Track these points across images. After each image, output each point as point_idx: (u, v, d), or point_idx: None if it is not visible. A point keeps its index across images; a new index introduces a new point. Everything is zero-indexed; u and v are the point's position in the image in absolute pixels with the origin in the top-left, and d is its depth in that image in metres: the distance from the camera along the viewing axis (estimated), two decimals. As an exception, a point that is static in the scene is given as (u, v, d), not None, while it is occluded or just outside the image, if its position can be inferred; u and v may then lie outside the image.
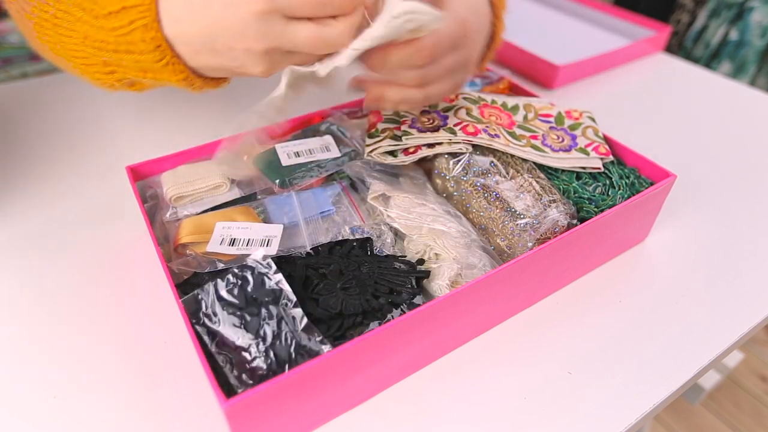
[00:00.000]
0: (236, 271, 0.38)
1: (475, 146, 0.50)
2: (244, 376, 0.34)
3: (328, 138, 0.52)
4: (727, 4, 1.45)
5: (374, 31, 0.37)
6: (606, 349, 0.44)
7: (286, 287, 0.38)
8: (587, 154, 0.51)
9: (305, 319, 0.37)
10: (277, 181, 0.48)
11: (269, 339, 0.36)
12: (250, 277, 0.38)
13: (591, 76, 0.84)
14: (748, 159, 0.67)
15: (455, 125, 0.51)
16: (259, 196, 0.49)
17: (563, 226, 0.46)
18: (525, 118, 0.55)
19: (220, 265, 0.42)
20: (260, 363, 0.35)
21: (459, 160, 0.49)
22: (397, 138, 0.50)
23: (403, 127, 0.51)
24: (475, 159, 0.49)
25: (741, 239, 0.55)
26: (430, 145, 0.50)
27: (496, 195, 0.47)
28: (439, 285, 0.42)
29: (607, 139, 0.54)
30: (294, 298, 0.37)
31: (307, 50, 0.36)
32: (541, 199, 0.46)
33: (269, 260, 0.39)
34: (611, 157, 0.52)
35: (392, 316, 0.40)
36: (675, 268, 0.51)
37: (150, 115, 0.69)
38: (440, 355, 0.43)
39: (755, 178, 0.63)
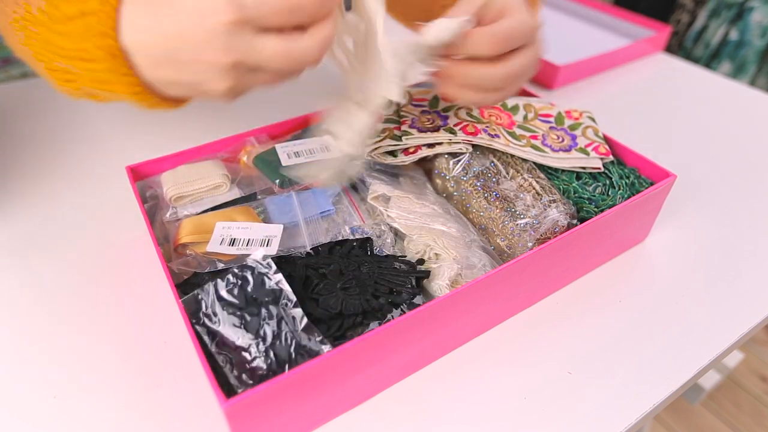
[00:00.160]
0: (236, 271, 0.38)
1: (475, 146, 0.50)
2: (244, 376, 0.34)
3: (328, 138, 0.52)
4: (727, 4, 1.45)
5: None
6: (606, 349, 0.44)
7: (286, 287, 0.38)
8: (587, 154, 0.51)
9: (305, 319, 0.37)
10: (277, 181, 0.48)
11: (269, 339, 0.36)
12: (250, 277, 0.38)
13: (591, 76, 0.84)
14: (748, 159, 0.67)
15: (455, 125, 0.51)
16: (259, 196, 0.49)
17: (563, 226, 0.46)
18: (525, 118, 0.55)
19: (220, 265, 0.42)
20: (260, 363, 0.35)
21: (459, 160, 0.49)
22: (397, 138, 0.50)
23: (403, 127, 0.51)
24: (475, 159, 0.49)
25: (741, 239, 0.55)
26: (430, 145, 0.50)
27: (496, 195, 0.47)
28: (439, 285, 0.42)
29: (607, 139, 0.54)
30: (294, 298, 0.37)
31: (274, 65, 0.33)
32: (541, 199, 0.46)
33: (269, 260, 0.39)
34: (611, 157, 0.52)
35: (392, 316, 0.40)
36: (675, 268, 0.51)
37: (150, 115, 0.69)
38: (440, 355, 0.43)
39: (755, 178, 0.63)
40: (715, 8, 1.48)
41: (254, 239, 0.43)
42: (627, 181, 0.50)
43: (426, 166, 0.53)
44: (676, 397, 0.42)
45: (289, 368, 0.35)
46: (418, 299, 0.41)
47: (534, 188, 0.47)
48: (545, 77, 0.79)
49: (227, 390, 0.34)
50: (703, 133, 0.72)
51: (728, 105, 0.78)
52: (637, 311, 0.47)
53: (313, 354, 0.35)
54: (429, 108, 0.53)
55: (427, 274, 0.42)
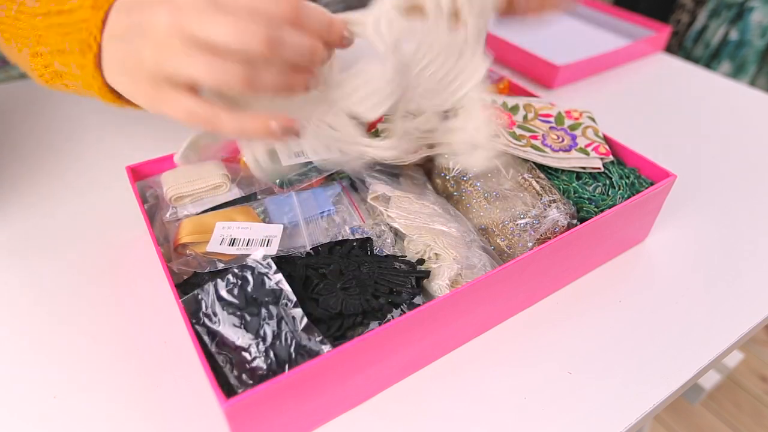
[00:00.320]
0: (236, 271, 0.38)
1: (475, 146, 0.50)
2: (244, 376, 0.34)
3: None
4: (727, 4, 1.44)
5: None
6: (606, 349, 0.44)
7: (286, 287, 0.38)
8: (587, 154, 0.51)
9: (305, 319, 0.37)
10: (277, 181, 0.48)
11: (269, 339, 0.36)
12: (250, 277, 0.38)
13: (591, 76, 0.84)
14: (748, 159, 0.67)
15: (455, 125, 0.50)
16: (259, 196, 0.49)
17: (563, 226, 0.46)
18: (525, 118, 0.55)
19: (220, 265, 0.42)
20: (260, 363, 0.35)
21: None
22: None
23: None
24: (475, 159, 0.49)
25: (741, 239, 0.55)
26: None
27: (496, 195, 0.47)
28: (439, 285, 0.42)
29: (607, 139, 0.54)
30: (294, 298, 0.37)
31: (203, 80, 0.31)
32: (541, 199, 0.46)
33: (269, 260, 0.39)
34: (611, 157, 0.52)
35: (392, 316, 0.40)
36: (675, 268, 0.51)
37: (150, 114, 0.69)
38: (440, 355, 0.43)
39: (755, 178, 0.63)
40: (715, 8, 1.48)
41: (254, 239, 0.43)
42: (627, 181, 0.50)
43: (426, 166, 0.53)
44: (676, 397, 0.42)
45: (289, 368, 0.35)
46: (418, 299, 0.41)
47: (534, 188, 0.47)
48: (545, 77, 0.79)
49: (227, 390, 0.34)
50: (703, 133, 0.72)
51: (728, 105, 0.78)
52: (637, 311, 0.47)
53: (313, 354, 0.35)
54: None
55: (427, 274, 0.42)
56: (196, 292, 0.37)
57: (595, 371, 0.42)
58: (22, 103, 0.70)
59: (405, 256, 0.45)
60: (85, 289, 0.47)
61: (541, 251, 0.41)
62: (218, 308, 0.37)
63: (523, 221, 0.45)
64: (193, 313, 0.37)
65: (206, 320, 0.37)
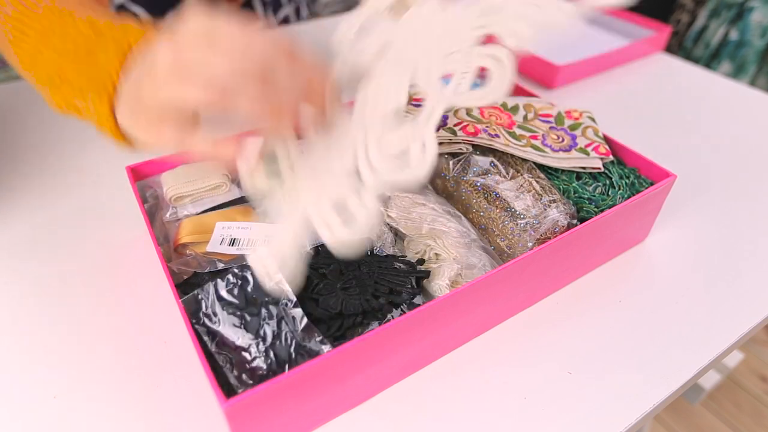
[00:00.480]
0: (236, 271, 0.38)
1: (475, 146, 0.50)
2: (244, 376, 0.34)
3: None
4: (727, 4, 1.44)
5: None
6: (606, 349, 0.44)
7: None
8: (587, 154, 0.51)
9: (305, 319, 0.37)
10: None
11: (269, 339, 0.36)
12: (250, 277, 0.38)
13: (591, 76, 0.84)
14: (748, 159, 0.67)
15: (455, 125, 0.50)
16: (259, 196, 0.49)
17: (563, 226, 0.46)
18: (525, 118, 0.55)
19: (220, 265, 0.42)
20: (260, 363, 0.35)
21: (459, 160, 0.49)
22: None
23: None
24: (475, 159, 0.49)
25: (741, 239, 0.55)
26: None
27: (496, 195, 0.47)
28: (439, 285, 0.42)
29: (607, 139, 0.54)
30: (294, 298, 0.37)
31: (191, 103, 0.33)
32: (541, 199, 0.46)
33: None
34: (611, 157, 0.52)
35: (392, 316, 0.40)
36: (675, 268, 0.51)
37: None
38: (440, 355, 0.43)
39: (755, 178, 0.63)
40: (715, 8, 1.48)
41: (254, 239, 0.43)
42: (627, 181, 0.50)
43: (426, 166, 0.53)
44: (676, 397, 0.42)
45: (289, 368, 0.35)
46: (418, 299, 0.41)
47: (534, 188, 0.47)
48: (545, 77, 0.79)
49: (227, 390, 0.34)
50: (703, 133, 0.72)
51: (728, 105, 0.78)
52: (637, 311, 0.47)
53: (313, 354, 0.35)
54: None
55: (427, 274, 0.42)
56: (196, 292, 0.37)
57: (595, 371, 0.42)
58: (22, 103, 0.70)
59: (405, 256, 0.45)
60: (85, 289, 0.47)
61: (541, 251, 0.41)
62: (218, 308, 0.37)
63: (523, 221, 0.45)
64: (193, 313, 0.37)
65: (206, 320, 0.37)
